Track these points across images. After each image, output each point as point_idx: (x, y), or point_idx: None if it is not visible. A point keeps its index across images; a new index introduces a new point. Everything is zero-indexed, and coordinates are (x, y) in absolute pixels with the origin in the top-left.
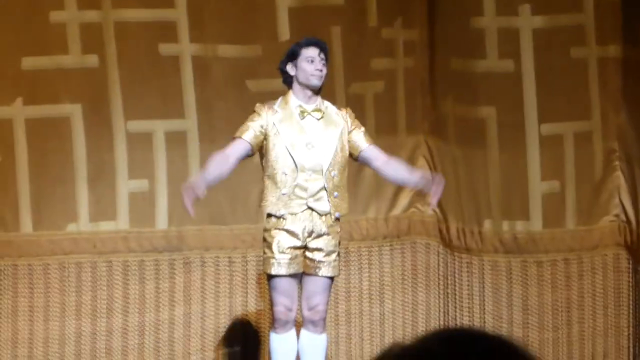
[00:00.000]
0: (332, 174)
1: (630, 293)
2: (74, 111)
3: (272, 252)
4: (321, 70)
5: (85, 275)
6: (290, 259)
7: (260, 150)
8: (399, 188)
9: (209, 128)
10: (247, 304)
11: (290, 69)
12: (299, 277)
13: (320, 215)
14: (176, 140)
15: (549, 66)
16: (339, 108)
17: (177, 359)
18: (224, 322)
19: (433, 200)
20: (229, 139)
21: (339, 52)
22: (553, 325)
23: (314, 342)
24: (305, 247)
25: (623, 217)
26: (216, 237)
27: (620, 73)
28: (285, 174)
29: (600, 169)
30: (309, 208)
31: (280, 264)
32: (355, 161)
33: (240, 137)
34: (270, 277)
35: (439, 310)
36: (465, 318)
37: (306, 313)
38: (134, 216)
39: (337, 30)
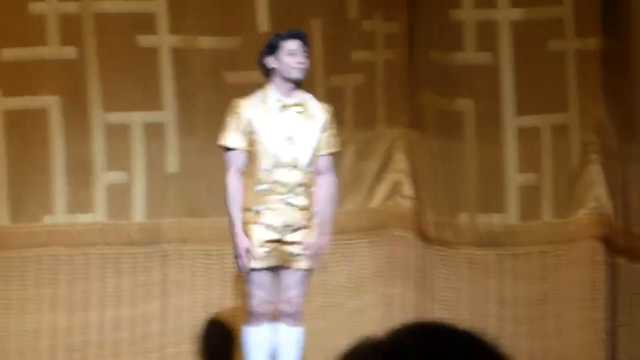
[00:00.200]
0: (311, 169)
1: (606, 286)
2: (52, 103)
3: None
4: (303, 63)
5: (62, 268)
6: (268, 252)
7: None
8: (375, 181)
9: (187, 120)
10: (224, 297)
11: (271, 61)
12: (276, 270)
13: (299, 209)
14: (154, 132)
15: (527, 59)
16: (319, 102)
17: (153, 353)
18: (201, 316)
19: (312, 260)
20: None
21: (319, 44)
22: (529, 318)
23: (291, 335)
24: (282, 241)
25: (599, 209)
26: (194, 230)
27: (599, 66)
28: (265, 170)
29: (577, 161)
30: (288, 203)
31: (258, 258)
32: None
33: (236, 149)
34: (248, 273)
35: (415, 304)
36: (441, 311)
37: (283, 306)
38: (112, 208)
39: (317, 22)
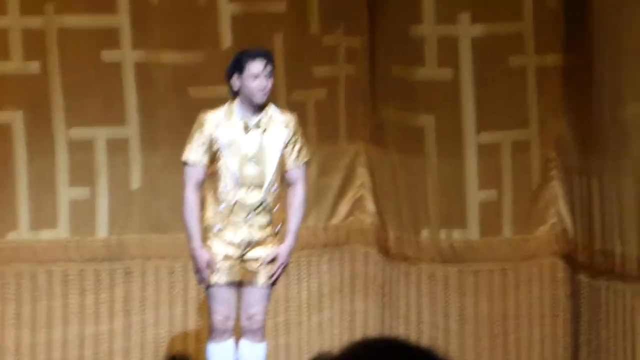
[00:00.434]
0: (273, 188)
1: (567, 302)
2: (15, 118)
3: None
4: (265, 87)
5: (25, 284)
6: (228, 268)
7: None
8: (338, 196)
9: (150, 135)
10: (187, 314)
11: (235, 82)
12: (236, 286)
13: (260, 227)
14: (118, 148)
15: (487, 74)
16: (283, 112)
17: None
18: (164, 333)
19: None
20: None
21: (281, 59)
22: (489, 335)
23: (253, 351)
24: (243, 257)
25: (560, 226)
26: (157, 245)
27: (560, 81)
28: (227, 189)
29: (537, 177)
30: (248, 221)
31: (218, 273)
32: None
33: (195, 166)
34: (209, 286)
35: (377, 320)
36: (401, 327)
37: (245, 322)
38: (75, 224)
39: (279, 37)
